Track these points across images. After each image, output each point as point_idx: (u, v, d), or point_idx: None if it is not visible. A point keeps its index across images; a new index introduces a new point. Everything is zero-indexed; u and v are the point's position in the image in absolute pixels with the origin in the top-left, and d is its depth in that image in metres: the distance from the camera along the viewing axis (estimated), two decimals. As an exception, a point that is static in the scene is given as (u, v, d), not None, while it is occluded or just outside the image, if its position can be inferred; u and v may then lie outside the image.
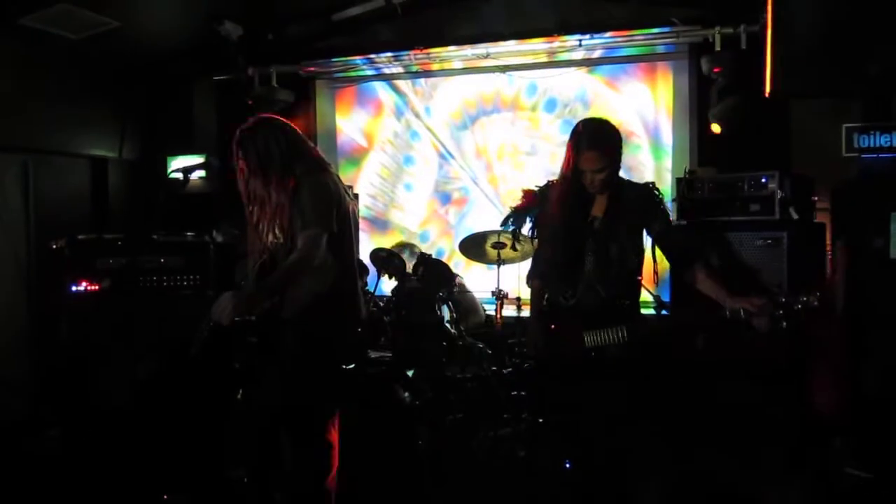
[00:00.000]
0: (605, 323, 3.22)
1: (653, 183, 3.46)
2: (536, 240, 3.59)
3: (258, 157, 3.33)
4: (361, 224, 7.22)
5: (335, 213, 3.25)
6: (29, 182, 6.13)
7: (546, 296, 3.48)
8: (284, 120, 3.53)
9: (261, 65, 6.91)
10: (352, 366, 4.39)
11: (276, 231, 3.31)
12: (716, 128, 5.37)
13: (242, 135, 3.39)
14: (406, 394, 4.56)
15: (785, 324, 3.03)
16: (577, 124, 3.38)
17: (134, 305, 4.78)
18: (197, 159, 3.98)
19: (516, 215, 3.66)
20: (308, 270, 3.13)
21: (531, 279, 3.59)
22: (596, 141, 3.24)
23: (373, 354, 4.87)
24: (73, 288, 4.78)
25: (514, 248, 4.43)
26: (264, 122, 3.46)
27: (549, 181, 3.53)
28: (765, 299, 3.06)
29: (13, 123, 5.89)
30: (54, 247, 5.03)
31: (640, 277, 3.39)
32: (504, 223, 3.76)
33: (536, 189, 3.58)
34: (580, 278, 3.29)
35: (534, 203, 3.55)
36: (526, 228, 3.63)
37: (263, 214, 3.38)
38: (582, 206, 3.32)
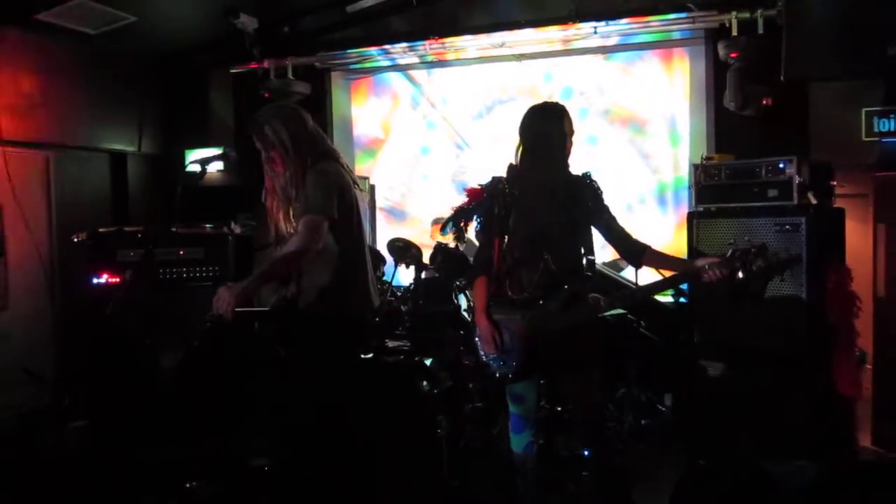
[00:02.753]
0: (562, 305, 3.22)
1: (590, 173, 3.41)
2: (481, 236, 3.50)
3: (272, 144, 3.37)
4: (378, 215, 7.27)
5: (337, 200, 3.26)
6: (50, 176, 6.19)
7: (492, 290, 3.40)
8: (296, 107, 3.57)
9: (276, 57, 6.93)
10: (369, 355, 4.44)
11: (289, 219, 3.35)
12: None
13: (254, 122, 3.42)
14: (425, 383, 4.57)
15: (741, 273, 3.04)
16: (529, 110, 3.42)
17: (154, 297, 4.82)
18: (214, 151, 3.98)
19: (459, 215, 3.58)
20: (308, 256, 3.14)
21: (475, 276, 3.49)
22: (564, 108, 3.40)
23: (391, 344, 4.89)
24: (95, 280, 4.84)
25: (457, 248, 4.39)
26: (277, 110, 3.49)
27: (494, 176, 3.49)
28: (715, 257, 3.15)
29: (34, 119, 5.96)
30: (75, 240, 5.08)
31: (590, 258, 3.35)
32: (444, 227, 3.68)
33: (480, 186, 3.52)
34: (538, 268, 3.25)
35: (481, 200, 3.48)
36: (472, 226, 3.55)
37: (277, 202, 3.43)
38: (543, 194, 3.30)
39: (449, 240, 4.37)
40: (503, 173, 3.44)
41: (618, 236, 3.34)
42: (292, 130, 3.38)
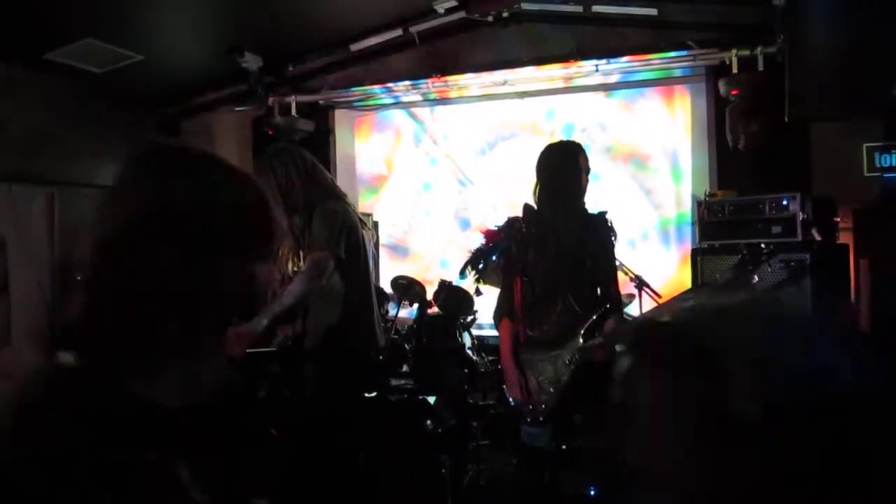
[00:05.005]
0: (580, 342, 3.18)
1: (606, 212, 3.41)
2: (502, 278, 3.48)
3: (277, 186, 3.38)
4: (381, 251, 7.26)
5: (344, 239, 3.28)
6: (54, 213, 6.21)
7: (517, 333, 3.37)
8: (301, 148, 3.58)
9: (281, 95, 6.99)
10: (373, 394, 4.41)
11: (296, 259, 3.36)
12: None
13: (261, 164, 3.45)
14: (428, 421, 4.54)
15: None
16: (545, 148, 3.40)
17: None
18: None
19: (478, 258, 3.55)
20: (313, 294, 3.15)
21: (499, 319, 3.46)
22: (579, 145, 3.46)
23: (394, 382, 4.86)
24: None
25: (478, 292, 4.38)
26: (282, 151, 3.51)
27: (509, 217, 3.48)
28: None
29: (39, 155, 5.98)
30: (78, 279, 5.06)
31: (614, 294, 3.33)
32: (462, 272, 3.65)
33: (498, 228, 3.51)
34: (557, 307, 3.23)
35: (498, 241, 3.47)
36: (491, 269, 3.52)
37: (283, 243, 3.44)
38: (558, 234, 3.28)
39: (466, 283, 4.33)
40: (518, 213, 3.44)
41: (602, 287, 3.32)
42: (296, 172, 3.41)
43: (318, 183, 3.47)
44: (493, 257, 3.48)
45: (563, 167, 3.34)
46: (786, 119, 4.32)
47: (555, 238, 3.28)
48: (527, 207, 3.41)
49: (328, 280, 3.30)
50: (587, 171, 3.36)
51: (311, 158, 3.54)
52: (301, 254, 3.40)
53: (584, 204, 3.37)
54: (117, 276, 1.08)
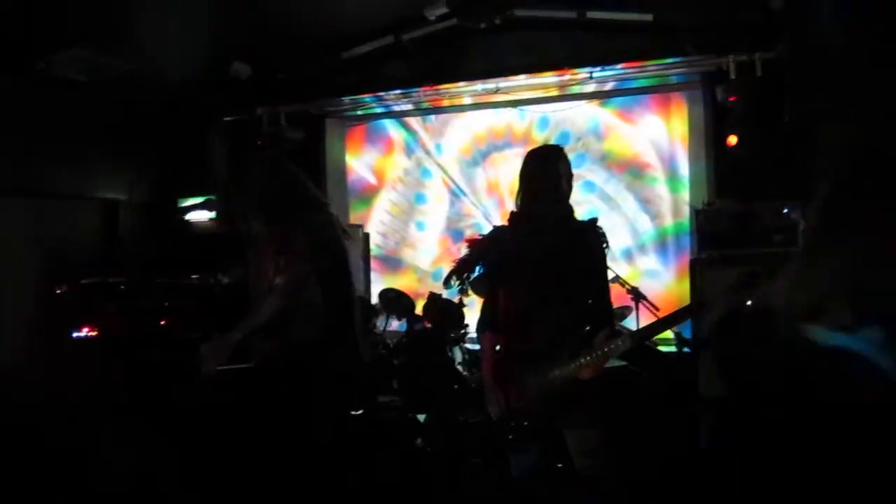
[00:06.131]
0: (567, 357, 2.99)
1: (596, 219, 3.23)
2: (485, 289, 3.30)
3: (258, 196, 3.27)
4: (372, 264, 7.12)
5: (325, 252, 3.15)
6: (39, 225, 6.07)
7: (498, 347, 3.18)
8: (284, 157, 3.46)
9: (271, 104, 6.86)
10: (359, 412, 4.26)
11: (276, 270, 3.23)
12: (732, 139, 5.22)
13: (242, 173, 3.34)
14: (418, 439, 4.39)
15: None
16: (526, 154, 3.24)
17: (137, 349, 4.64)
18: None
19: (461, 268, 3.38)
20: (291, 307, 3.01)
21: (481, 331, 3.27)
22: (561, 148, 3.22)
23: (382, 399, 4.71)
24: (75, 333, 4.67)
25: (461, 303, 4.20)
26: (264, 161, 3.41)
27: (495, 226, 3.33)
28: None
29: (25, 166, 5.86)
30: (58, 291, 4.94)
31: (605, 304, 3.15)
32: (447, 282, 3.47)
33: (482, 237, 3.34)
34: (542, 319, 3.05)
35: (483, 251, 3.30)
36: (473, 279, 3.35)
37: (265, 253, 3.32)
38: (543, 243, 3.11)
39: (449, 294, 4.17)
40: (505, 221, 3.28)
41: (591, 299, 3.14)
42: (278, 182, 3.28)
43: (301, 193, 3.33)
44: (478, 268, 3.30)
45: (541, 172, 3.18)
46: (786, 119, 4.17)
47: (537, 247, 3.11)
48: (512, 215, 3.25)
49: (308, 294, 3.15)
50: (568, 175, 3.18)
51: (295, 168, 3.40)
52: (282, 266, 3.25)
53: (568, 210, 3.19)
54: None
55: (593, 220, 3.19)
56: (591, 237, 3.13)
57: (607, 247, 3.14)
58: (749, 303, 2.88)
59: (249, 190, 3.31)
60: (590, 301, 3.06)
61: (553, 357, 2.98)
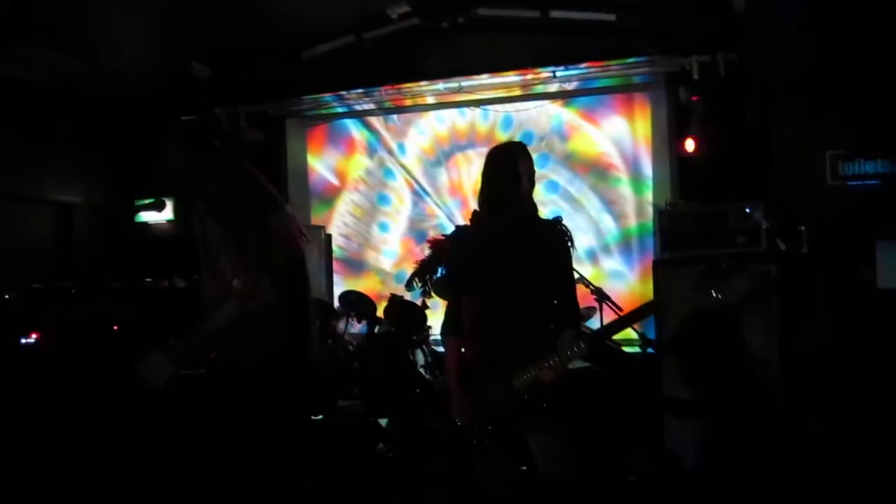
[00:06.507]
0: (530, 360, 2.93)
1: (560, 217, 3.17)
2: (448, 291, 3.24)
3: (213, 198, 3.15)
4: (335, 266, 7.02)
5: (282, 255, 3.04)
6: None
7: (463, 350, 3.11)
8: (240, 158, 3.35)
9: (230, 105, 6.72)
10: (319, 417, 4.16)
11: (232, 275, 3.11)
12: (689, 145, 5.23)
13: (197, 175, 3.23)
14: (380, 445, 4.30)
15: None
16: (487, 152, 3.16)
17: (88, 356, 4.48)
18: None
19: (423, 270, 3.30)
20: (247, 312, 2.91)
21: (445, 335, 3.20)
22: (523, 146, 3.13)
23: (343, 404, 4.61)
24: (23, 340, 4.50)
25: (424, 305, 4.13)
26: (219, 161, 3.29)
27: (457, 226, 3.26)
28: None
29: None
30: (6, 297, 4.76)
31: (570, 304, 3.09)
32: (409, 284, 3.38)
33: (444, 237, 3.26)
34: (505, 322, 2.98)
35: (445, 252, 3.21)
36: (436, 280, 3.28)
37: (221, 256, 3.20)
38: (505, 242, 3.04)
39: (412, 296, 4.08)
40: (468, 222, 3.20)
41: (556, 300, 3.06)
42: (233, 183, 3.17)
43: (257, 194, 3.22)
44: (440, 269, 3.22)
45: (499, 171, 3.10)
46: (749, 120, 4.17)
47: (499, 247, 3.03)
48: (474, 215, 3.17)
49: (264, 298, 3.04)
50: (529, 173, 3.10)
51: (250, 168, 3.29)
52: (237, 269, 3.13)
53: (529, 209, 3.12)
54: None
55: (557, 219, 3.12)
56: (555, 236, 3.06)
57: (572, 246, 3.07)
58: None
59: (205, 191, 3.19)
60: (554, 301, 2.99)
61: (517, 360, 2.91)
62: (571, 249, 3.09)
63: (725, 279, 2.82)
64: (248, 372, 3.13)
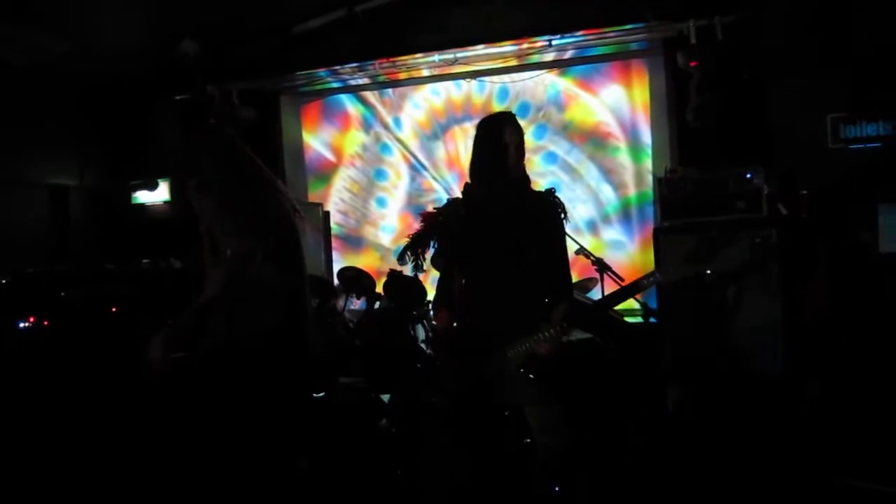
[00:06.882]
0: (524, 332, 2.90)
1: (554, 189, 3.11)
2: (441, 265, 3.21)
3: (204, 172, 3.11)
4: (333, 242, 6.98)
5: (275, 231, 3.01)
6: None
7: (455, 324, 3.09)
8: (231, 131, 3.30)
9: (222, 82, 6.64)
10: (321, 394, 4.14)
11: (221, 251, 3.08)
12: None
13: (187, 149, 3.19)
14: (382, 421, 4.28)
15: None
16: (480, 121, 3.11)
17: (87, 338, 4.46)
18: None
19: (416, 243, 3.26)
20: (242, 284, 2.88)
21: (437, 309, 3.20)
22: (511, 115, 3.06)
23: (344, 380, 4.59)
24: (21, 324, 4.47)
25: (413, 277, 4.08)
26: (209, 135, 3.25)
27: (450, 198, 3.22)
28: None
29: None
30: (2, 281, 4.72)
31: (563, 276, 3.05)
32: (401, 257, 3.33)
33: (436, 210, 3.22)
34: (497, 294, 2.95)
35: (437, 225, 3.17)
36: (429, 255, 3.23)
37: (216, 233, 3.17)
38: (495, 215, 2.99)
39: (406, 269, 4.03)
40: (460, 195, 3.16)
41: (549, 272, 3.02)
42: (224, 157, 3.13)
43: (248, 169, 3.19)
44: (432, 242, 3.18)
45: (486, 141, 3.05)
46: (744, 77, 4.09)
47: (490, 219, 2.99)
48: (466, 187, 3.13)
49: (261, 273, 3.01)
50: (516, 142, 3.04)
51: (241, 142, 3.25)
52: (229, 242, 3.10)
53: (518, 179, 3.06)
54: None
55: (550, 191, 3.07)
56: (548, 208, 3.01)
57: (566, 217, 3.03)
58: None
59: (198, 168, 3.15)
60: (547, 273, 2.96)
61: (510, 332, 2.89)
62: (565, 221, 3.04)
63: (721, 249, 2.79)
64: (248, 349, 3.11)
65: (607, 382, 4.62)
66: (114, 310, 4.55)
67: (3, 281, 4.71)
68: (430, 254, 3.22)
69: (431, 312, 3.23)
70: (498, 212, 2.94)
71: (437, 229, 3.14)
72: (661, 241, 4.50)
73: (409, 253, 3.24)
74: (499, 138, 2.98)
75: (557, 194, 3.04)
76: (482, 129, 3.07)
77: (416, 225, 3.25)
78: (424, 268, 3.29)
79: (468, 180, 3.11)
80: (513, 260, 2.91)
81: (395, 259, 3.36)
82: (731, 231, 3.03)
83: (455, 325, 3.08)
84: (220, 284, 2.90)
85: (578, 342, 4.31)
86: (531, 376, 2.89)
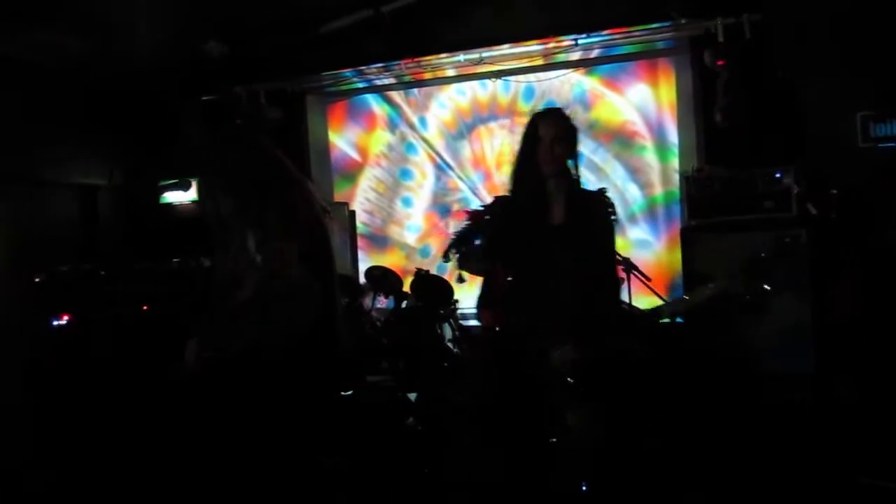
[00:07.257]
0: (569, 334, 2.87)
1: (605, 189, 3.08)
2: (484, 263, 3.15)
3: (231, 173, 3.13)
4: (359, 242, 7.02)
5: (307, 231, 3.03)
6: (16, 213, 5.92)
7: (498, 327, 3.05)
8: (258, 131, 3.33)
9: (248, 83, 6.70)
10: (349, 392, 4.17)
11: (251, 252, 3.10)
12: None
13: (214, 149, 3.20)
14: (409, 419, 4.31)
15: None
16: (530, 117, 3.05)
17: (117, 336, 4.53)
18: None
19: (460, 241, 3.22)
20: (277, 285, 2.90)
21: (481, 310, 3.14)
22: (552, 110, 2.98)
23: (372, 379, 4.62)
24: (55, 322, 4.55)
25: (460, 279, 4.04)
26: (236, 136, 3.27)
27: (496, 196, 3.17)
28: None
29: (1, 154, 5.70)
30: (37, 280, 4.81)
31: (615, 282, 3.02)
32: (445, 255, 3.30)
33: (483, 207, 3.19)
34: (542, 295, 2.90)
35: (482, 223, 3.14)
36: (474, 253, 3.20)
37: (246, 235, 3.19)
38: (540, 212, 2.95)
39: (452, 267, 3.99)
40: (491, 195, 3.15)
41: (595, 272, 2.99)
42: (251, 157, 3.14)
43: (276, 169, 3.20)
44: (476, 241, 3.15)
45: (523, 136, 3.02)
46: (778, 76, 4.06)
47: (537, 218, 2.95)
48: (513, 184, 3.09)
49: (294, 273, 3.03)
50: (553, 136, 2.96)
51: (269, 142, 3.27)
52: (256, 246, 3.12)
53: (553, 174, 2.99)
54: None
55: (601, 190, 3.03)
56: (598, 208, 2.97)
57: (615, 218, 2.99)
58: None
59: (225, 168, 3.17)
60: (593, 274, 2.92)
61: (555, 334, 2.86)
62: (614, 222, 3.00)
63: (768, 267, 2.77)
64: (280, 352, 3.13)
65: (641, 383, 4.61)
66: (145, 308, 4.62)
67: (38, 279, 4.79)
68: (474, 251, 3.19)
69: (475, 312, 3.19)
70: (547, 211, 2.91)
71: (483, 227, 3.12)
72: (690, 240, 4.49)
73: (453, 251, 3.23)
74: (533, 133, 2.94)
75: (608, 195, 2.99)
76: (530, 125, 3.02)
77: (462, 223, 3.24)
78: (466, 266, 3.27)
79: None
80: (559, 260, 2.87)
81: (428, 259, 3.36)
82: (781, 250, 3.00)
83: (497, 326, 3.06)
84: (253, 287, 2.92)
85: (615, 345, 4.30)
86: (571, 378, 2.87)
